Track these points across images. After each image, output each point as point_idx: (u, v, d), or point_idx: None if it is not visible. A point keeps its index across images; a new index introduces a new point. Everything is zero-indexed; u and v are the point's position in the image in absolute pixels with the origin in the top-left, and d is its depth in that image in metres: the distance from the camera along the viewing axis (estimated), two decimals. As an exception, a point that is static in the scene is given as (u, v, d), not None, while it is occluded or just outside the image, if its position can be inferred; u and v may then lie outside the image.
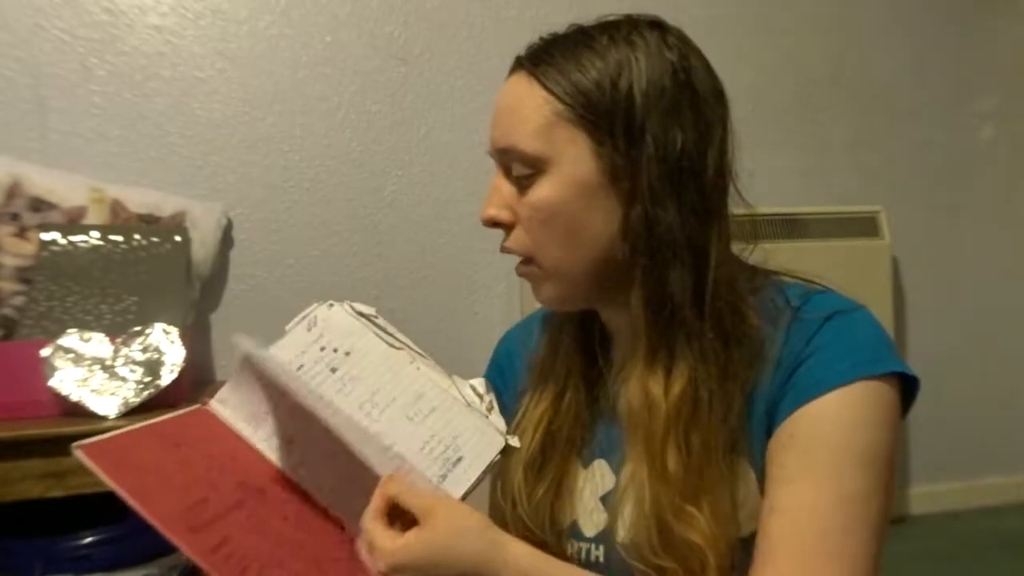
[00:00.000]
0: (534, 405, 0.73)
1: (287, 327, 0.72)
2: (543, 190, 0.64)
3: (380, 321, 0.73)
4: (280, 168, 1.82)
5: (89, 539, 1.26)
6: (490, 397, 0.72)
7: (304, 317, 0.72)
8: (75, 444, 0.56)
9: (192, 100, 1.76)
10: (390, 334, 0.73)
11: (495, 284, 1.95)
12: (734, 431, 0.62)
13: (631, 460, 0.65)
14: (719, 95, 0.65)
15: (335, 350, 0.69)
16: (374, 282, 1.87)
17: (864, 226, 2.16)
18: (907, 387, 0.64)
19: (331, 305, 0.73)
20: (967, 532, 2.23)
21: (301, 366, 0.69)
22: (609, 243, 0.64)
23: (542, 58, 0.65)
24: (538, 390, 0.73)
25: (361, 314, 0.73)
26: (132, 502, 0.54)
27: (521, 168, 0.65)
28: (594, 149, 0.63)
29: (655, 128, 0.61)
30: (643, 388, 0.63)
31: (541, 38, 0.68)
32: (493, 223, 0.68)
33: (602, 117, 0.62)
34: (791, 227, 2.08)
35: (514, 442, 0.70)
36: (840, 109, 2.25)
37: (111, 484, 0.55)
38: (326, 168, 1.85)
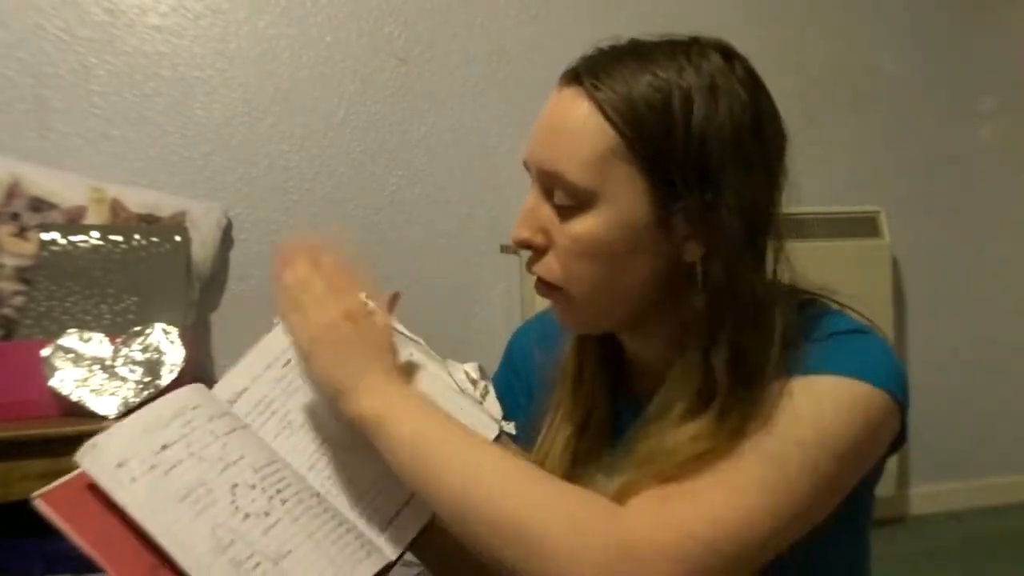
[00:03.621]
0: (562, 427, 0.71)
1: (275, 319, 0.71)
2: (587, 224, 0.59)
3: (371, 306, 0.73)
4: (280, 168, 1.82)
5: (89, 539, 1.26)
6: (484, 383, 0.71)
7: None
8: (35, 494, 0.55)
9: (192, 100, 1.76)
10: None
11: (495, 284, 1.95)
12: None
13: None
14: (784, 138, 0.62)
15: None
16: (373, 282, 1.87)
17: (864, 226, 2.16)
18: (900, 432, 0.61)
19: None
20: (967, 532, 2.23)
21: (288, 362, 0.69)
22: (650, 285, 0.62)
23: (603, 79, 0.59)
24: (564, 411, 0.71)
25: None
26: (91, 552, 0.53)
27: (565, 198, 0.60)
28: (651, 191, 0.58)
29: (731, 179, 0.57)
30: (672, 447, 0.58)
31: (600, 50, 0.62)
32: (525, 245, 0.63)
33: (668, 160, 0.57)
34: (791, 227, 2.07)
35: (509, 428, 0.69)
36: (840, 109, 2.25)
37: (68, 533, 0.54)
38: (326, 168, 1.85)
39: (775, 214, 0.61)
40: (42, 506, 0.55)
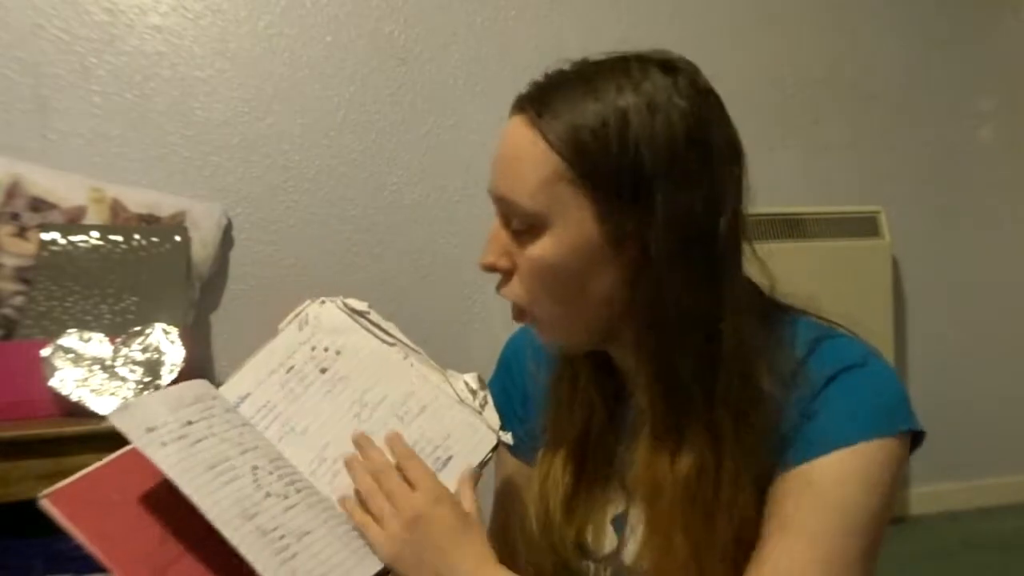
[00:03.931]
0: (561, 443, 0.71)
1: (280, 326, 0.72)
2: (541, 247, 0.61)
3: (373, 316, 0.73)
4: (280, 168, 1.82)
5: (89, 539, 1.26)
6: (484, 393, 0.71)
7: (296, 315, 0.73)
8: (41, 494, 0.56)
9: (192, 100, 1.76)
10: (383, 330, 0.73)
11: (495, 284, 1.95)
12: (745, 507, 0.60)
13: (640, 524, 0.66)
14: (734, 149, 0.62)
15: (325, 349, 0.69)
16: (374, 282, 1.87)
17: (864, 226, 2.16)
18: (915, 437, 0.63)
19: (323, 302, 0.74)
20: (967, 532, 2.23)
21: (291, 368, 0.70)
22: (610, 304, 0.63)
23: (546, 106, 0.61)
24: (562, 428, 0.72)
25: (354, 310, 0.73)
26: (96, 552, 0.54)
27: (519, 223, 0.62)
28: (597, 212, 0.59)
29: (665, 192, 0.58)
30: (650, 465, 0.62)
31: (546, 76, 0.64)
32: (491, 269, 0.66)
33: (608, 179, 0.58)
34: (791, 227, 2.08)
35: (507, 439, 0.69)
36: (840, 109, 2.25)
37: (75, 533, 0.55)
38: (326, 168, 1.85)
39: (720, 225, 0.59)
40: (48, 506, 0.56)
